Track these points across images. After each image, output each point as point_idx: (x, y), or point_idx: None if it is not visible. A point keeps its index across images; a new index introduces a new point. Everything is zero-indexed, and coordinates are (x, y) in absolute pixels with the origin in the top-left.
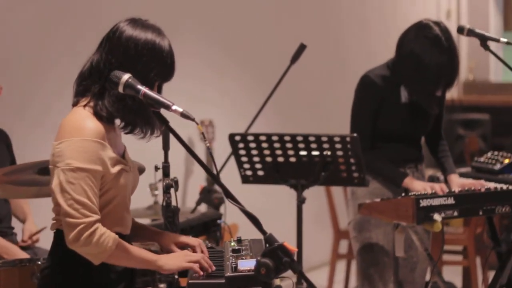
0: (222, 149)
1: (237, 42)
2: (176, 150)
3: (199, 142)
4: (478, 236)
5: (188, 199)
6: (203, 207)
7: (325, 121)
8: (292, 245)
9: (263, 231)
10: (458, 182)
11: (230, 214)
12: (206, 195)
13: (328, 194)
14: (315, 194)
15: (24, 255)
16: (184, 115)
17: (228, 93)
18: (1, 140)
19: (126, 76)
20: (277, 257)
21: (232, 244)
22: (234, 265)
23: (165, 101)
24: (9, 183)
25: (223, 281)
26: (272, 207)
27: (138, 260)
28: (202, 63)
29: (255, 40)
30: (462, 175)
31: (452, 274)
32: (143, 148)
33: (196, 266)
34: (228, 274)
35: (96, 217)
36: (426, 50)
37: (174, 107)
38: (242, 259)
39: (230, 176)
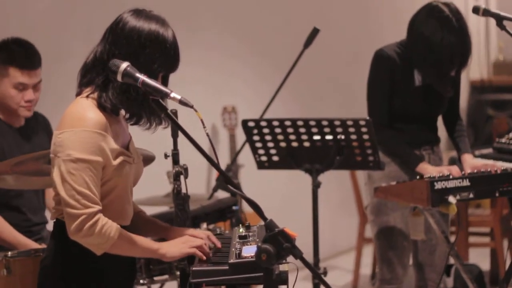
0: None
1: (257, 32)
2: (199, 138)
3: (222, 129)
4: (505, 217)
5: (212, 186)
6: (222, 194)
7: (350, 104)
8: (292, 232)
9: (263, 218)
10: (471, 163)
11: None
12: (221, 182)
13: (352, 178)
14: (341, 178)
15: (38, 246)
16: (182, 102)
17: (249, 81)
18: (43, 128)
19: (124, 65)
20: (278, 243)
21: (240, 230)
22: (238, 252)
23: (163, 89)
24: (21, 174)
25: (227, 267)
26: (294, 193)
27: (140, 249)
28: (223, 54)
29: (274, 28)
30: (483, 156)
31: (480, 256)
32: (158, 135)
33: (198, 252)
34: (232, 260)
35: (97, 207)
36: (437, 32)
37: (172, 95)
38: (248, 245)
39: (252, 162)
